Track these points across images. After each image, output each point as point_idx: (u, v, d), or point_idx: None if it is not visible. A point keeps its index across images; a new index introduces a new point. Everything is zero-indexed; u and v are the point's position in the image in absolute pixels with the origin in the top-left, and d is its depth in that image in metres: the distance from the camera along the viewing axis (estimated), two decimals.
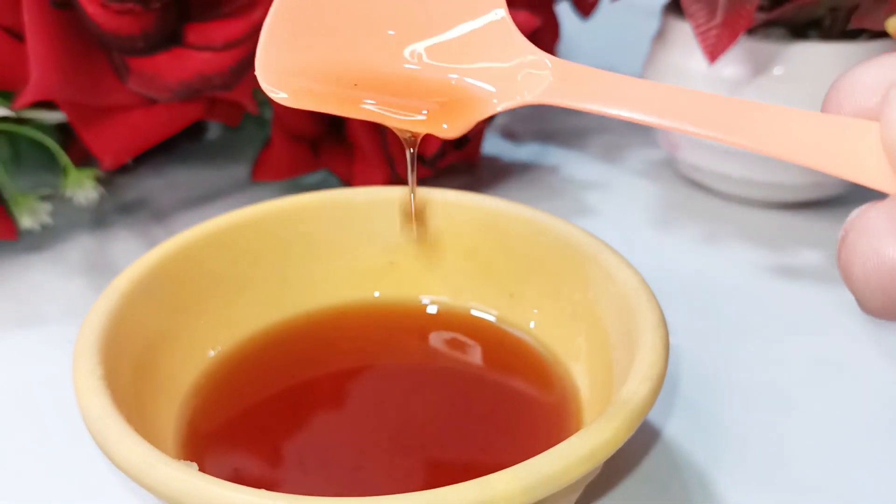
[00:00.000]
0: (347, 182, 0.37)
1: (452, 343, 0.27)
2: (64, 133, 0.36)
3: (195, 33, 0.32)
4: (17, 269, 0.34)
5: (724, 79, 0.35)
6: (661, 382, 0.19)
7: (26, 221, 0.34)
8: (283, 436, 0.23)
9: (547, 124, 0.47)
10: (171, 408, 0.23)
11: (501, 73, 0.19)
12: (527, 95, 0.18)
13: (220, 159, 0.43)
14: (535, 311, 0.26)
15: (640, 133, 0.45)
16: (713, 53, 0.31)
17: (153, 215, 0.38)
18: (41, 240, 0.35)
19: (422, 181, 0.37)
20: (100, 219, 0.37)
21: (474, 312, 0.28)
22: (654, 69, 0.38)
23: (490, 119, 0.40)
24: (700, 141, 0.36)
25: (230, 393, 0.25)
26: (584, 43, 0.54)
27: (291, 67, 0.19)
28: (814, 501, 0.23)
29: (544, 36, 0.43)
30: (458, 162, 0.40)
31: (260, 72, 0.19)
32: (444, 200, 0.28)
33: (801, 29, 0.35)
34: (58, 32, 0.31)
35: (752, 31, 0.35)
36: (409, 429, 0.23)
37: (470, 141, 0.39)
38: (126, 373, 0.21)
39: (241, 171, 0.41)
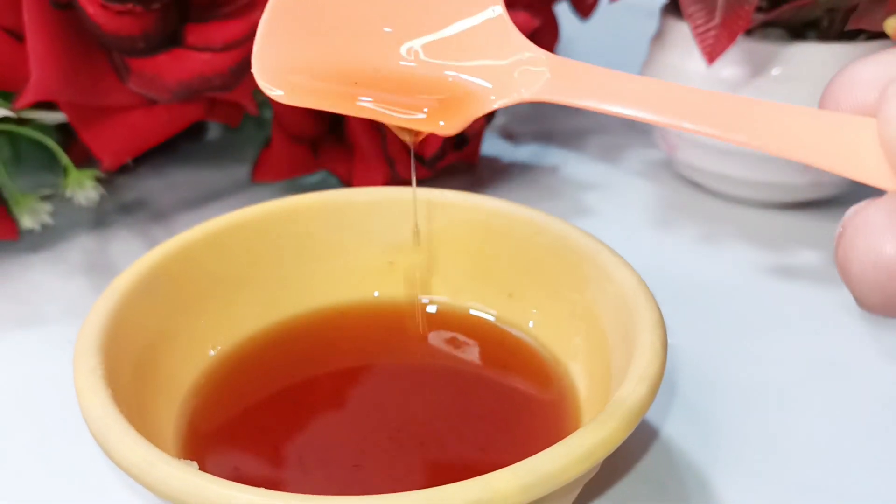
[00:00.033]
0: (347, 182, 0.37)
1: (452, 342, 0.27)
2: (64, 133, 0.36)
3: (195, 34, 0.33)
4: (17, 269, 0.34)
5: (723, 79, 0.35)
6: (660, 382, 0.20)
7: (27, 221, 0.34)
8: (283, 435, 0.23)
9: (546, 125, 0.47)
10: (172, 407, 0.23)
11: (498, 70, 0.19)
12: (524, 92, 0.18)
13: (220, 160, 0.43)
14: (534, 310, 0.26)
15: (638, 133, 0.45)
16: (712, 54, 0.31)
17: (153, 215, 0.38)
18: (41, 240, 0.35)
19: (421, 182, 0.37)
20: (100, 219, 0.37)
21: (473, 312, 0.28)
22: (652, 70, 0.38)
23: (489, 119, 0.40)
24: (697, 141, 0.37)
25: (230, 392, 0.25)
26: (584, 44, 0.54)
27: (288, 64, 0.19)
28: (812, 501, 0.23)
29: (543, 37, 0.43)
30: (458, 162, 0.40)
31: (256, 69, 0.19)
32: (444, 201, 0.28)
33: (800, 30, 0.35)
34: (58, 33, 0.31)
35: (750, 32, 0.35)
36: (408, 428, 0.24)
37: (469, 142, 0.39)
38: (126, 372, 0.22)
39: (241, 171, 0.41)
